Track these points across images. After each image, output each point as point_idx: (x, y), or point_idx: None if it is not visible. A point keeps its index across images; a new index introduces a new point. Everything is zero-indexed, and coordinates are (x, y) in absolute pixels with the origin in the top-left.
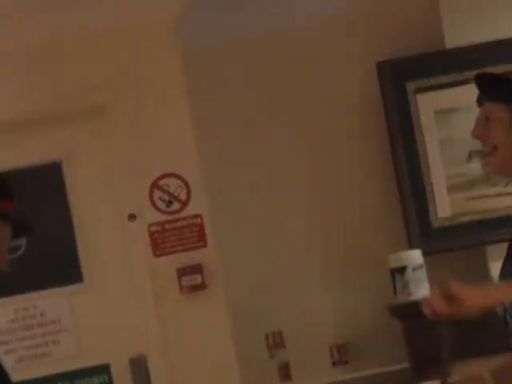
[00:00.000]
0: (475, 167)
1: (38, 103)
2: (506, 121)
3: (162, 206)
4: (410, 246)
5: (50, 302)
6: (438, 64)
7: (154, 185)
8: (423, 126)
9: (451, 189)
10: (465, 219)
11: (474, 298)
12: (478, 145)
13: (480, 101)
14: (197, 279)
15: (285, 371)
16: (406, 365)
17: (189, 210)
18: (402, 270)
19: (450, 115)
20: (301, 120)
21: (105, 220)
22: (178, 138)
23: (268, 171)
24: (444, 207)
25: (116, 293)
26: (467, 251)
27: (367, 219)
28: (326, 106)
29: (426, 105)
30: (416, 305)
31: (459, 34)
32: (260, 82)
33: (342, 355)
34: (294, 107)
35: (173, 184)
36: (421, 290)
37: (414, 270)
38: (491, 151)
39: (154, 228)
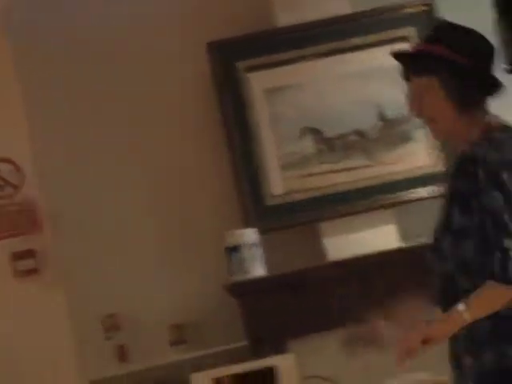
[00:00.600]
0: (307, 145)
1: None
2: (438, 91)
3: None
4: (246, 225)
5: None
6: (268, 43)
7: None
8: (255, 105)
9: (284, 167)
10: (298, 197)
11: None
12: (309, 122)
13: (407, 76)
14: (30, 264)
15: (121, 353)
16: (244, 343)
17: (22, 195)
18: (237, 248)
19: (281, 93)
20: (134, 104)
21: None
22: (10, 124)
23: (102, 153)
24: (277, 185)
25: None
26: (302, 228)
27: (202, 199)
28: (159, 89)
29: (257, 83)
30: (252, 282)
31: (289, 12)
32: (92, 70)
33: (179, 335)
34: (127, 92)
35: (4, 169)
36: (256, 267)
37: (249, 248)
38: (429, 123)
39: None
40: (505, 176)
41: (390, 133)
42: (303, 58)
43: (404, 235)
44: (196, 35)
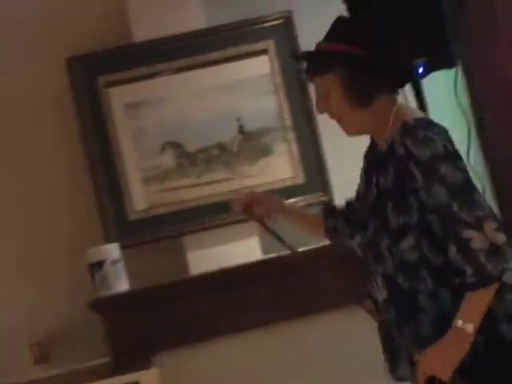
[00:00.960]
0: (168, 159)
1: None
2: (338, 87)
3: None
4: (108, 240)
5: None
6: (127, 58)
7: None
8: (115, 120)
9: (145, 181)
10: (161, 211)
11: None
12: (170, 136)
13: (310, 77)
14: None
15: None
16: (108, 359)
17: None
18: (100, 264)
19: (141, 108)
20: None
21: None
22: None
23: None
24: (139, 200)
25: None
26: (165, 243)
27: (65, 215)
28: (18, 105)
29: (117, 98)
30: (116, 298)
31: (147, 27)
32: None
33: (42, 353)
34: None
35: None
36: (120, 283)
37: (112, 263)
38: (338, 121)
39: None
40: (443, 169)
41: (251, 146)
42: (161, 73)
43: (267, 247)
44: (55, 50)
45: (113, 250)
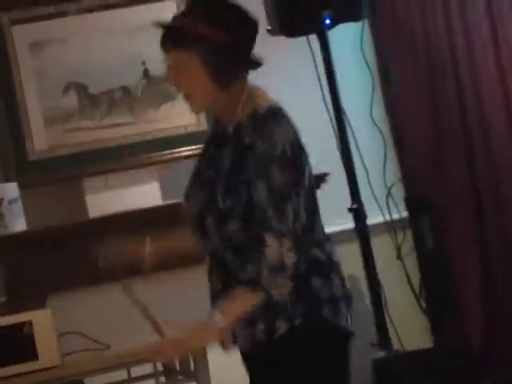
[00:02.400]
0: (71, 100)
1: None
2: (196, 66)
3: None
4: (6, 180)
5: None
6: None
7: None
8: (18, 58)
9: (47, 121)
10: (62, 152)
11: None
12: (74, 77)
13: (165, 47)
14: None
15: None
16: (3, 299)
17: None
18: None
19: (45, 47)
20: None
21: None
22: None
23: None
24: (41, 140)
25: None
26: (65, 184)
27: None
28: None
29: (21, 36)
30: (11, 237)
31: None
32: None
33: None
34: None
35: None
36: (17, 222)
37: (9, 202)
38: (187, 97)
39: None
40: (273, 171)
41: (155, 91)
42: (67, 13)
43: (165, 193)
44: None
45: (10, 189)
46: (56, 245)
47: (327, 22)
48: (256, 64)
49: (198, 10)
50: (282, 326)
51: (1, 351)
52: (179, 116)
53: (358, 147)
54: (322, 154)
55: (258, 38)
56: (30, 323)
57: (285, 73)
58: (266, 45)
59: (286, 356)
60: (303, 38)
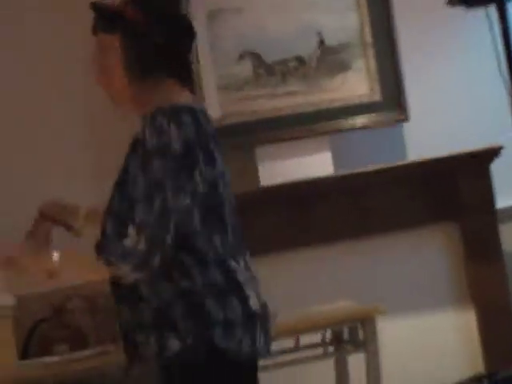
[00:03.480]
0: (246, 68)
1: None
2: (116, 52)
3: None
4: None
5: None
6: None
7: None
8: (196, 26)
9: (221, 88)
10: (235, 119)
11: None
12: (249, 47)
13: (93, 31)
14: None
15: None
16: None
17: None
18: None
19: (220, 16)
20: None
21: None
22: None
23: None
24: (214, 108)
25: None
26: (237, 152)
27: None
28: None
29: (199, 6)
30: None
31: None
32: None
33: None
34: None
35: None
36: None
37: None
38: (103, 86)
39: None
40: (154, 163)
41: (330, 60)
42: None
43: (338, 163)
44: None
45: None
46: None
47: None
48: (183, 73)
49: None
50: (174, 344)
51: None
52: (353, 86)
53: None
54: (496, 125)
55: (436, 9)
56: None
57: (462, 43)
58: (446, 15)
59: (177, 376)
60: (481, 10)
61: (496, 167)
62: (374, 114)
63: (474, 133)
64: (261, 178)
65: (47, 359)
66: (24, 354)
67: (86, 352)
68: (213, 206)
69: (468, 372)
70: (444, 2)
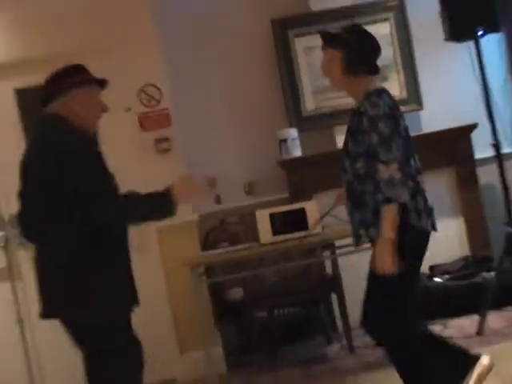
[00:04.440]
0: (327, 80)
1: None
2: (337, 60)
3: (145, 102)
4: (290, 126)
5: None
6: (306, 19)
7: (141, 90)
8: (298, 55)
9: (315, 92)
10: (322, 111)
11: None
12: None
13: (323, 47)
14: (166, 145)
15: (217, 199)
16: (287, 194)
17: (161, 105)
18: (285, 140)
19: (314, 50)
20: (228, 55)
21: (114, 111)
22: (153, 61)
23: (208, 77)
24: (310, 103)
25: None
26: (323, 130)
27: (265, 112)
28: (235, 49)
29: (300, 44)
30: (293, 160)
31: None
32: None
33: (250, 188)
34: (219, 53)
35: (151, 90)
36: (295, 151)
37: (292, 139)
38: (329, 80)
39: (141, 116)
40: (380, 124)
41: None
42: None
43: None
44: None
45: (293, 132)
46: (318, 164)
47: (480, 33)
48: (374, 70)
49: (346, 31)
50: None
51: (291, 224)
52: (390, 90)
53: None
54: (475, 110)
55: (437, 43)
56: (303, 209)
57: (454, 63)
58: (443, 47)
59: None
60: (465, 44)
61: (474, 135)
62: (402, 107)
63: (461, 115)
64: (337, 145)
65: (217, 251)
66: (203, 247)
67: (238, 246)
68: (406, 143)
69: (459, 254)
70: (443, 40)
